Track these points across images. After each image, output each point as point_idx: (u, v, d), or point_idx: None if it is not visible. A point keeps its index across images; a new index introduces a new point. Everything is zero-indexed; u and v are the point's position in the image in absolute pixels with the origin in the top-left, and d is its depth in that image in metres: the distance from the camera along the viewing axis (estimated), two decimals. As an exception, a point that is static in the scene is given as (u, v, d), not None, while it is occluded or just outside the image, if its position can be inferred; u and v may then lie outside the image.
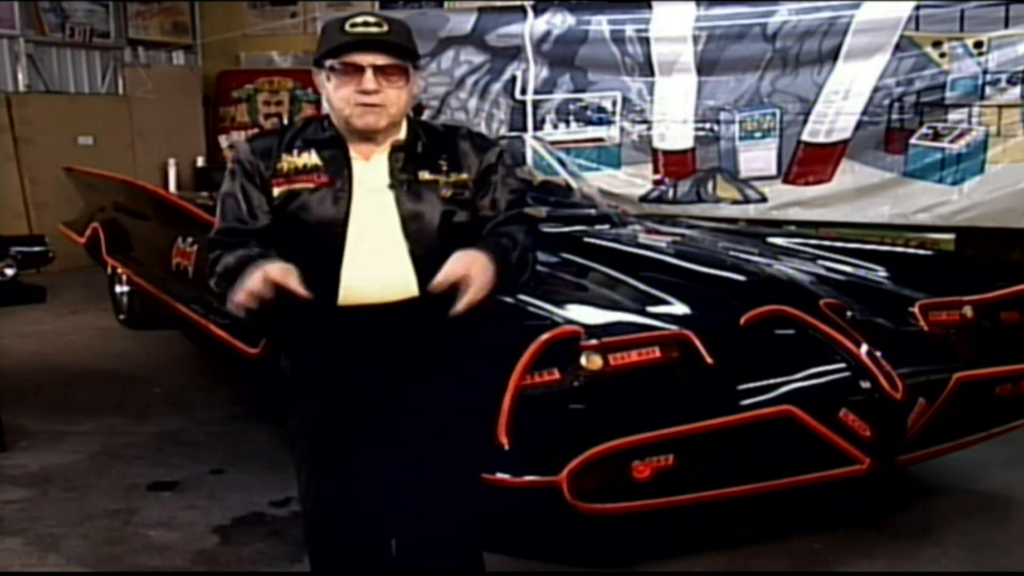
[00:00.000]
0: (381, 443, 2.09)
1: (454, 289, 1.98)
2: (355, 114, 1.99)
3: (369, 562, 2.21)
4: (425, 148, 2.08)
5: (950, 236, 6.41)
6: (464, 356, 2.10)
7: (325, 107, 2.11)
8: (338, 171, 2.03)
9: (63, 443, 4.01)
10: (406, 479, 2.12)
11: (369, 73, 1.96)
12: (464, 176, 2.08)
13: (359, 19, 1.99)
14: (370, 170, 2.04)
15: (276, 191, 2.04)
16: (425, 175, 2.04)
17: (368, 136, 2.03)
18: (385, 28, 1.98)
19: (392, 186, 2.03)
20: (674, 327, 2.76)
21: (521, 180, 2.32)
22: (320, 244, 2.00)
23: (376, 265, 2.01)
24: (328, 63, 1.99)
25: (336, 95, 2.00)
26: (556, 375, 2.51)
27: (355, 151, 2.05)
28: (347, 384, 2.06)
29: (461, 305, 1.89)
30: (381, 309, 2.01)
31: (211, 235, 2.12)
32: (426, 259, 1.99)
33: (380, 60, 1.96)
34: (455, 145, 2.11)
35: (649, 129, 7.34)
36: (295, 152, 2.05)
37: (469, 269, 1.89)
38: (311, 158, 2.04)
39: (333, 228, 2.00)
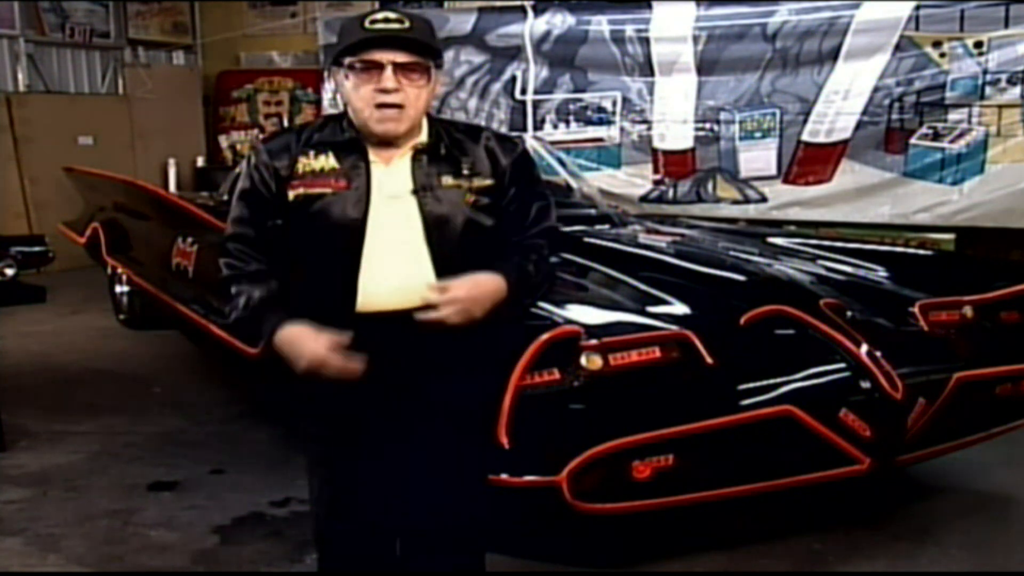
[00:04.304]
0: (391, 446, 2.09)
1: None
2: (374, 118, 1.94)
3: (376, 563, 2.21)
4: (448, 150, 2.04)
5: (950, 236, 6.40)
6: (474, 359, 2.09)
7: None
8: (356, 175, 1.99)
9: (63, 443, 4.01)
10: (413, 480, 2.11)
11: (389, 71, 1.91)
12: (488, 181, 2.04)
13: (380, 15, 1.94)
14: (390, 175, 2.00)
15: (292, 194, 1.99)
16: (448, 180, 2.00)
17: (387, 141, 1.99)
18: (407, 25, 1.93)
19: (415, 192, 1.99)
20: (674, 327, 2.76)
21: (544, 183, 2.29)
22: (338, 250, 1.97)
23: (395, 272, 1.98)
24: (347, 61, 1.94)
25: (355, 95, 1.95)
26: (556, 375, 2.51)
27: (374, 155, 2.00)
28: (362, 390, 2.04)
29: (424, 316, 1.91)
30: (399, 316, 1.98)
31: (225, 239, 2.09)
32: (447, 265, 1.98)
33: (400, 57, 1.92)
34: (477, 147, 2.06)
35: (649, 129, 7.32)
36: (312, 154, 2.01)
37: (465, 294, 1.91)
38: (328, 161, 2.00)
39: (351, 234, 1.97)
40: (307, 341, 1.94)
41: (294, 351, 1.95)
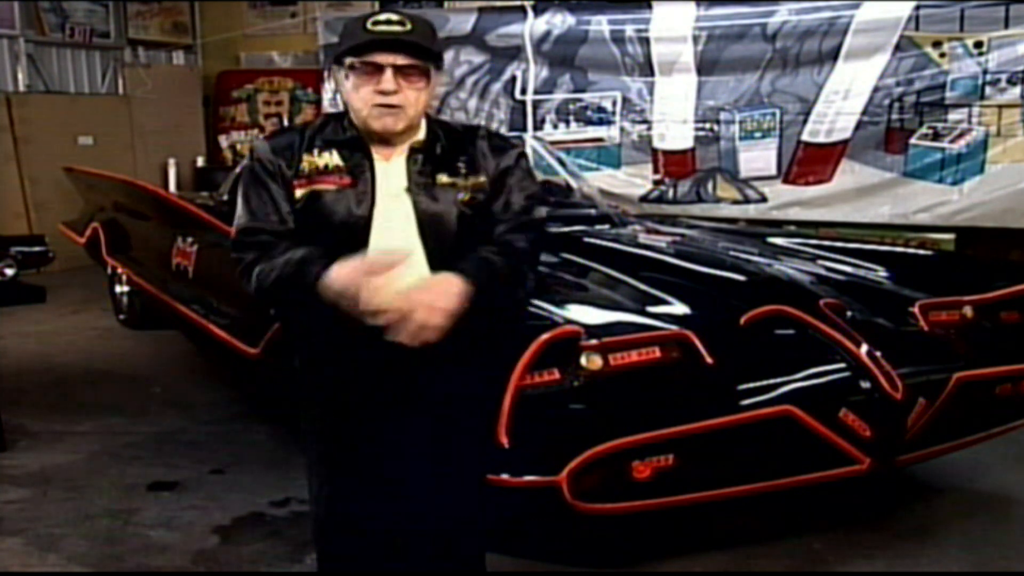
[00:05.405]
0: (392, 445, 2.09)
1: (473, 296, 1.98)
2: (373, 115, 1.96)
3: (376, 562, 2.21)
4: (444, 149, 2.05)
5: (950, 236, 6.40)
6: (474, 359, 2.09)
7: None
8: (360, 172, 2.01)
9: (63, 443, 4.01)
10: (412, 480, 2.11)
11: (388, 73, 1.93)
12: (482, 179, 2.05)
13: (382, 17, 1.96)
14: (390, 172, 2.02)
15: (298, 192, 2.01)
16: (443, 178, 2.02)
17: (386, 138, 2.01)
18: (408, 27, 1.95)
19: (409, 189, 2.00)
20: (674, 327, 2.76)
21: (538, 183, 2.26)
22: (342, 246, 1.97)
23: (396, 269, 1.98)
24: (348, 61, 1.96)
25: (355, 95, 1.97)
26: (556, 375, 2.51)
27: (376, 152, 2.02)
28: (362, 387, 2.05)
29: (402, 338, 1.86)
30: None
31: (237, 234, 2.05)
32: (444, 263, 1.98)
33: (400, 60, 1.94)
34: (474, 146, 2.08)
35: (649, 129, 7.33)
36: (316, 152, 2.02)
37: (417, 304, 1.85)
38: (332, 158, 2.02)
39: (356, 230, 1.98)
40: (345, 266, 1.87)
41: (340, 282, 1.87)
